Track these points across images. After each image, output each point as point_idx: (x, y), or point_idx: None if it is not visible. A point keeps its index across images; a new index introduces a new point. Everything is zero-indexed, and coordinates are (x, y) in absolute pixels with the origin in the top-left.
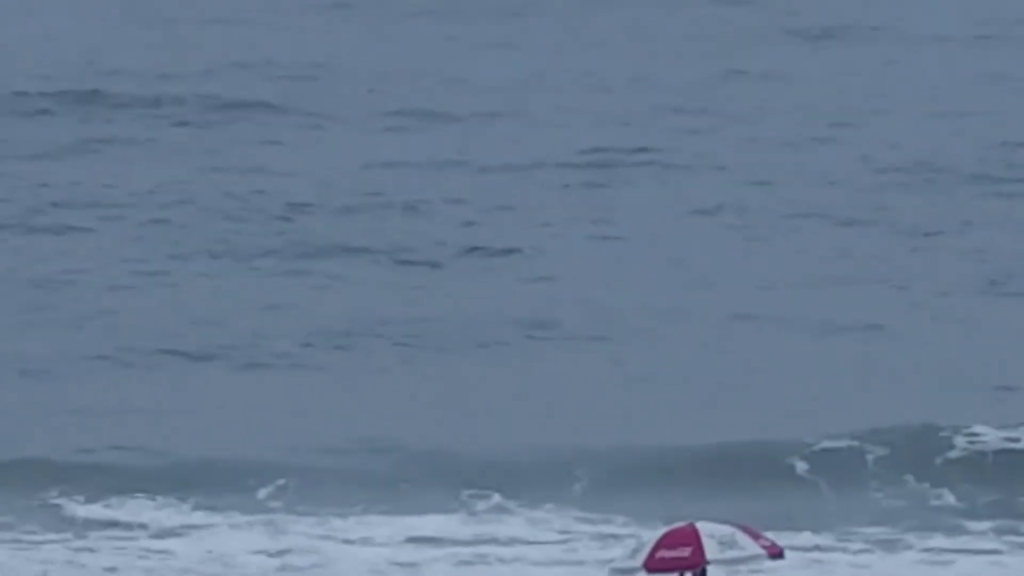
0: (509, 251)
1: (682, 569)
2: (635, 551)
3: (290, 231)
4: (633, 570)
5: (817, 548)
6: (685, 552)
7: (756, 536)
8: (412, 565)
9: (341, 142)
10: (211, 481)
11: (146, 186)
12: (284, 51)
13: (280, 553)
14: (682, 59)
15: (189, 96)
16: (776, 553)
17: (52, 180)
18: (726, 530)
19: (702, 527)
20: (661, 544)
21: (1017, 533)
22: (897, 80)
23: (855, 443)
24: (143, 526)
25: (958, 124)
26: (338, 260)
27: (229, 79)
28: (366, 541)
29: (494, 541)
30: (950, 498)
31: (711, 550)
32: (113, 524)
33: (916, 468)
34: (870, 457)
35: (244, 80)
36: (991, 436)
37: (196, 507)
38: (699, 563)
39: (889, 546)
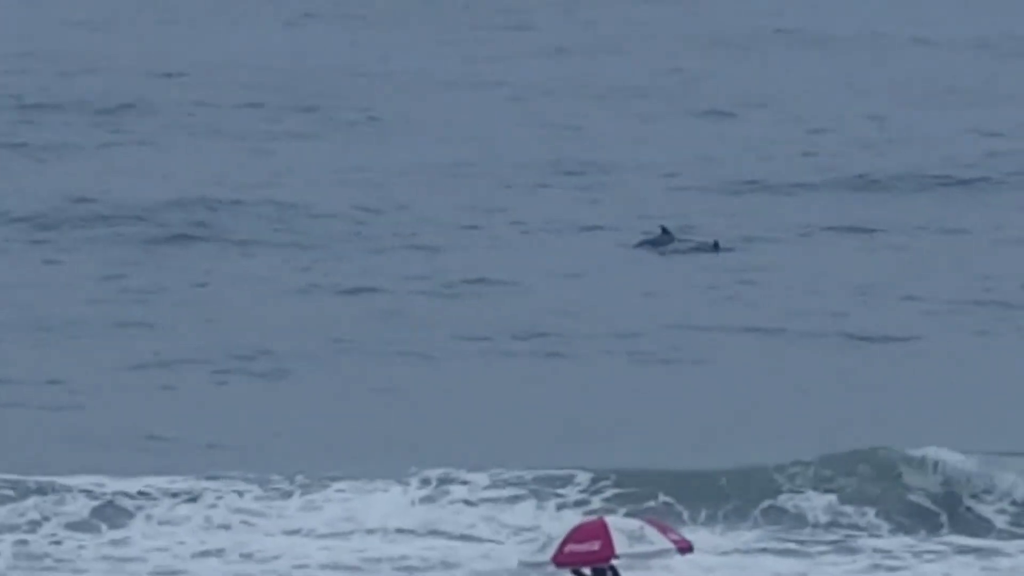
0: (436, 249)
1: (591, 563)
2: (544, 545)
3: (203, 233)
4: (542, 564)
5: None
6: (594, 546)
7: (665, 530)
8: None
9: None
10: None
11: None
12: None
13: (209, 552)
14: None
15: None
16: (685, 548)
17: None
18: (635, 524)
19: (611, 521)
20: (570, 538)
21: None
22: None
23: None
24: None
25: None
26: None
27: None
28: (308, 532)
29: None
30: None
31: (620, 544)
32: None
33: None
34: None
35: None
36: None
37: (119, 493)
38: (608, 557)
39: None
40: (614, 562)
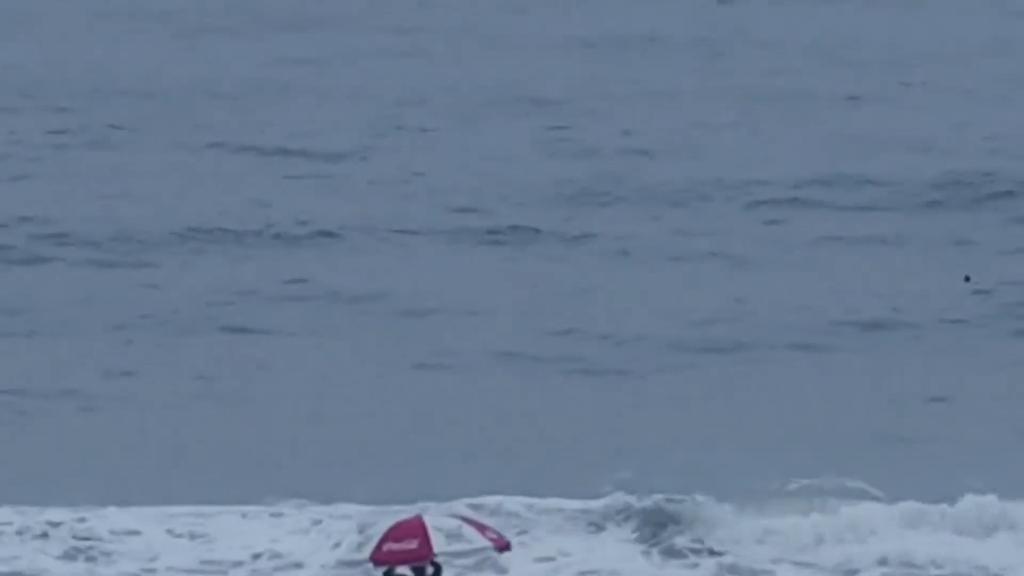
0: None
1: (409, 561)
2: (361, 544)
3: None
4: (360, 563)
5: None
6: (412, 544)
7: (483, 529)
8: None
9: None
10: None
11: None
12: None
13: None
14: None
15: None
16: (503, 546)
17: None
18: (453, 523)
19: (429, 520)
20: (388, 536)
21: None
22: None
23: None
24: None
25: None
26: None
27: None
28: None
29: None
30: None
31: (438, 542)
32: None
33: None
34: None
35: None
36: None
37: None
38: (426, 555)
39: None
40: (439, 560)
